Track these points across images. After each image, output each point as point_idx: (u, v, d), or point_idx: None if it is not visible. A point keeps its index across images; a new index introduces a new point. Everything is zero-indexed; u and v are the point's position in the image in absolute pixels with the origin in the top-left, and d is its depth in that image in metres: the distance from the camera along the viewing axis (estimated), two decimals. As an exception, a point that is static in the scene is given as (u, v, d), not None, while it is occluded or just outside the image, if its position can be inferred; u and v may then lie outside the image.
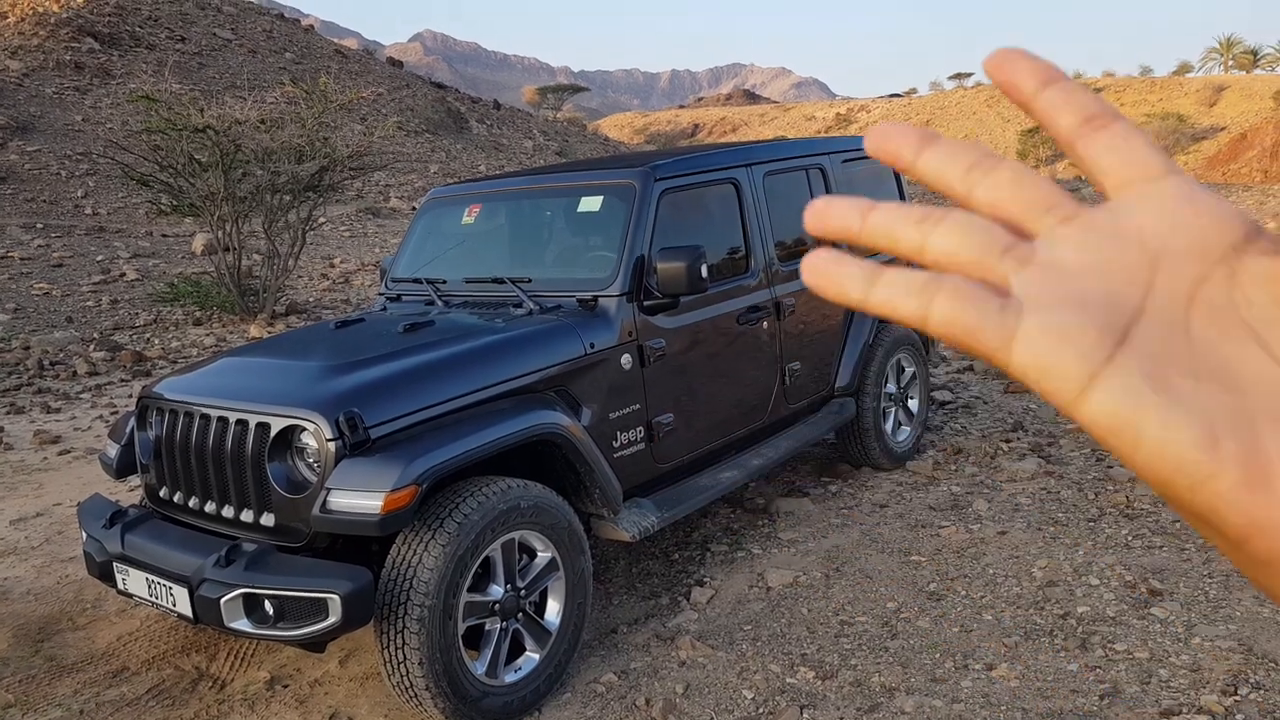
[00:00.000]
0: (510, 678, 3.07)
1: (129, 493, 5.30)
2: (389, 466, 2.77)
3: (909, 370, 5.32)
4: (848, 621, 3.56)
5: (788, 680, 3.19)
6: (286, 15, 47.14)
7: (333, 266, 16.86)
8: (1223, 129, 59.33)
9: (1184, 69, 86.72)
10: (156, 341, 10.98)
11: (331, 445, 2.85)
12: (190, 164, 11.49)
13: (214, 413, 3.16)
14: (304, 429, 2.92)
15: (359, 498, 2.75)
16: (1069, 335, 0.34)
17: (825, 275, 0.39)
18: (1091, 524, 4.28)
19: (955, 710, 2.95)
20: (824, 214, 0.40)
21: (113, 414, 7.66)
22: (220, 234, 12.15)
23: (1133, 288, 0.35)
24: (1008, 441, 5.48)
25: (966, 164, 0.39)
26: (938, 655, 3.28)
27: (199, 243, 17.88)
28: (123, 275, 15.72)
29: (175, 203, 12.24)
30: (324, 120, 11.85)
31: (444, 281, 4.20)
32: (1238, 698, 2.83)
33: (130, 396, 8.33)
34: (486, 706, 2.97)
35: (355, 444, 2.85)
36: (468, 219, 4.39)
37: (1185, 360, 0.34)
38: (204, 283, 12.42)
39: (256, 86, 30.62)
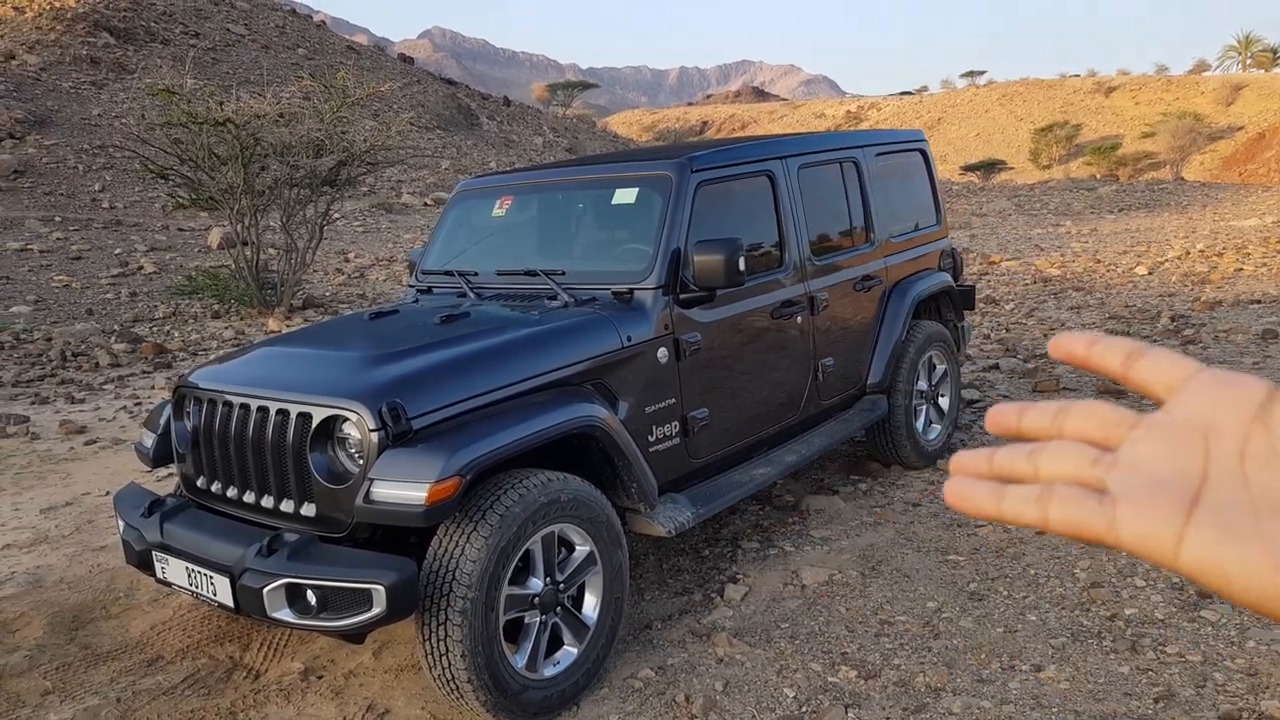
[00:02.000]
0: (549, 671, 3.06)
1: (157, 482, 5.31)
2: (433, 457, 2.76)
3: (940, 368, 5.29)
4: (887, 621, 3.53)
5: (829, 679, 3.15)
6: (298, 11, 47.22)
7: (347, 261, 16.89)
8: (1240, 128, 58.90)
9: (1201, 67, 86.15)
10: (176, 334, 11.01)
11: (374, 436, 2.84)
12: (209, 157, 11.51)
13: (254, 402, 3.15)
14: (346, 419, 2.91)
15: (403, 489, 2.74)
16: (1153, 510, 0.44)
17: (964, 497, 0.51)
18: (1131, 523, 4.22)
19: (1005, 712, 2.91)
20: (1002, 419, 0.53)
21: (136, 405, 7.68)
22: (238, 228, 12.18)
23: (1194, 461, 0.45)
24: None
25: (1052, 414, 0.51)
26: (983, 656, 3.24)
27: (215, 236, 17.94)
28: (141, 268, 15.77)
29: (194, 196, 12.27)
30: (341, 115, 11.86)
31: (475, 274, 4.18)
32: (1298, 702, 2.79)
33: (153, 388, 8.35)
34: (526, 700, 2.95)
35: (398, 435, 2.84)
36: (499, 211, 4.37)
37: (1248, 504, 0.43)
38: (222, 276, 12.45)
39: (269, 82, 30.70)
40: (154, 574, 3.30)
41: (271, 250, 13.46)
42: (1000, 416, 0.53)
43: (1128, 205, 22.32)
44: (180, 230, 20.10)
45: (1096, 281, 11.22)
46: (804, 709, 3.00)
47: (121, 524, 3.45)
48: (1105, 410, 0.49)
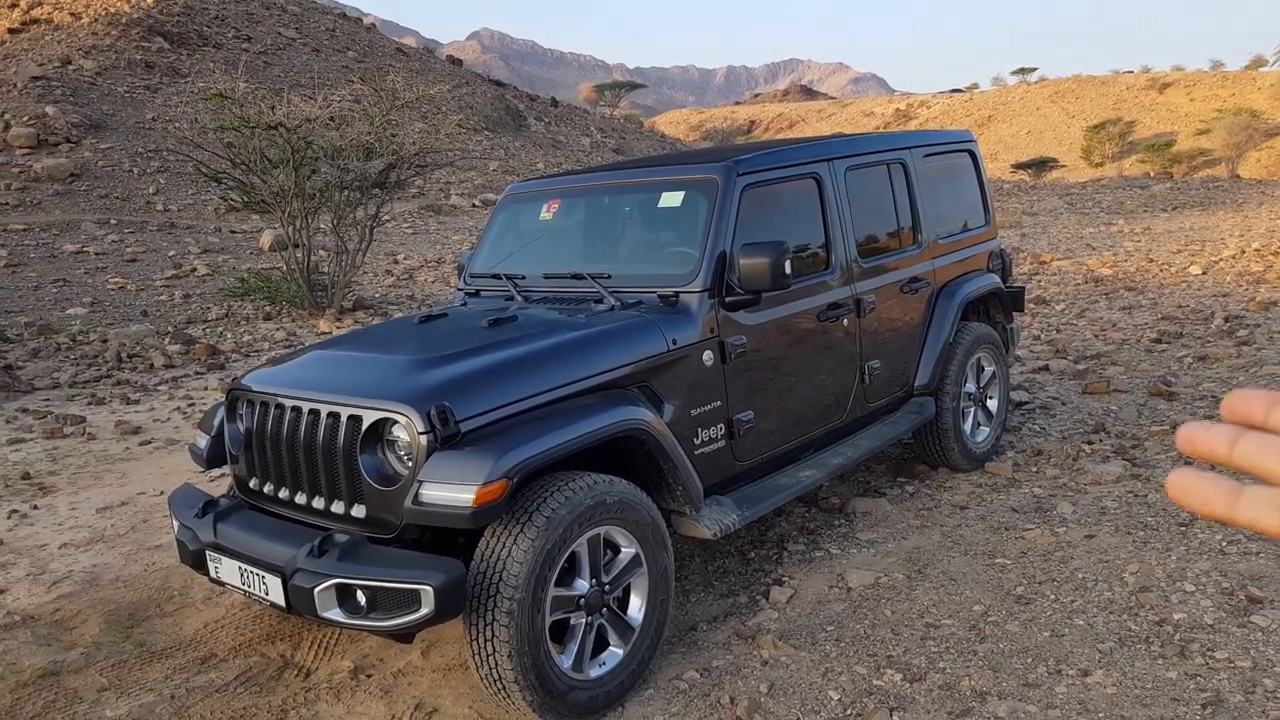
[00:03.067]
0: (595, 672, 3.08)
1: (210, 483, 5.42)
2: (481, 460, 2.79)
3: (989, 370, 5.23)
4: (933, 624, 3.50)
5: (874, 682, 3.14)
6: (348, 14, 47.89)
7: (396, 263, 17.11)
8: (1299, 123, 57.23)
9: (1258, 63, 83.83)
10: (229, 335, 11.24)
11: (423, 438, 2.87)
12: (261, 161, 11.73)
13: (305, 405, 3.20)
14: (396, 422, 2.95)
15: (451, 490, 2.77)
16: None
17: (1190, 492, 0.48)
18: (1183, 529, 4.15)
19: (1051, 716, 2.88)
20: (1194, 440, 0.50)
21: (190, 405, 7.86)
22: (290, 230, 12.39)
23: None
24: (1089, 443, 5.34)
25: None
26: (1029, 660, 3.20)
27: (266, 239, 18.29)
28: (194, 270, 16.13)
29: (246, 199, 12.51)
30: (390, 118, 12.01)
31: (523, 277, 4.22)
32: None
33: (206, 389, 8.54)
34: (572, 700, 2.97)
35: (446, 437, 2.87)
36: (546, 215, 4.41)
37: None
38: (274, 278, 12.68)
39: (320, 85, 31.17)
40: (207, 574, 3.37)
41: (321, 252, 13.69)
42: (1241, 403, 0.49)
43: (1182, 203, 21.82)
44: (233, 233, 20.51)
45: (1149, 281, 10.99)
46: (849, 711, 2.99)
47: (176, 524, 3.53)
48: None
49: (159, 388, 8.66)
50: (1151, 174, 42.62)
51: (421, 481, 2.84)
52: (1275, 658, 3.08)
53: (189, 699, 3.42)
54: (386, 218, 14.68)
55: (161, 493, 5.67)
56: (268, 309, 12.48)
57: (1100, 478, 4.78)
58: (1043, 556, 3.98)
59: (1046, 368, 7.15)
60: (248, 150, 11.65)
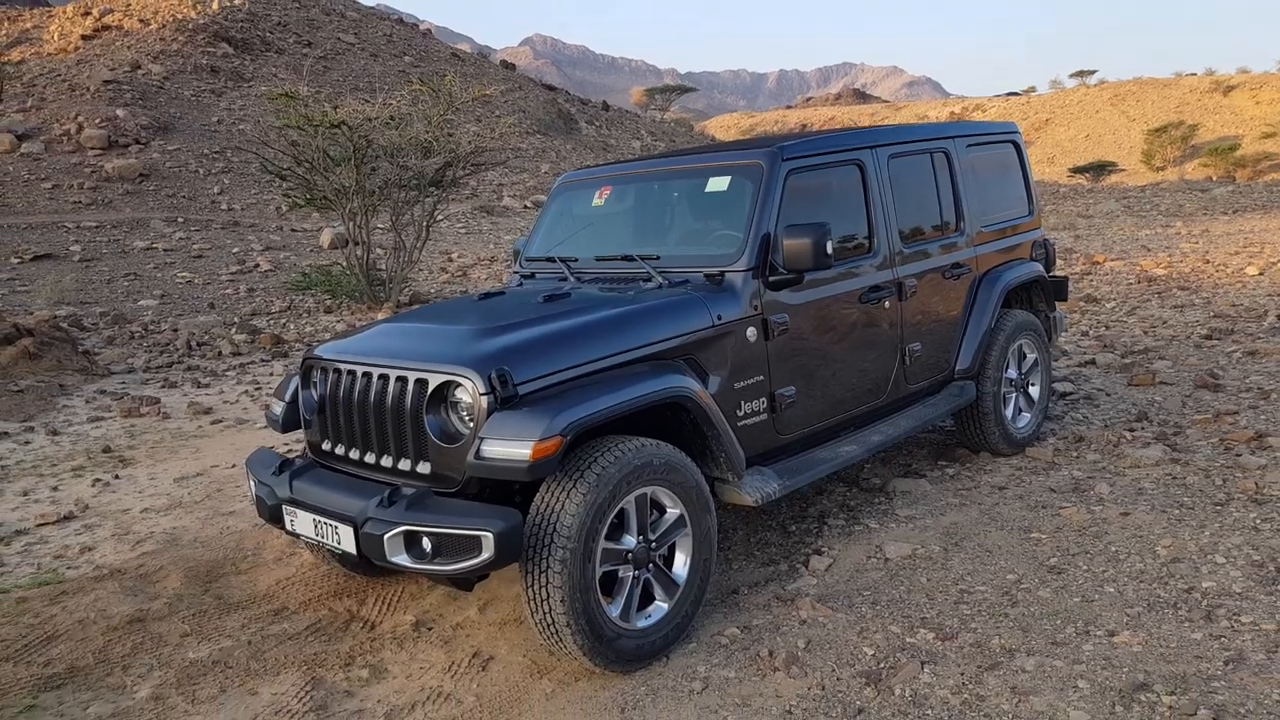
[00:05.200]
0: (641, 623, 3.27)
1: (283, 448, 5.71)
2: (537, 419, 3.00)
3: (1030, 356, 5.32)
4: (967, 590, 3.64)
5: (907, 640, 3.29)
6: (405, 20, 48.75)
7: (450, 260, 17.52)
8: (1372, 126, 55.49)
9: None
10: (292, 326, 11.66)
11: (484, 400, 3.09)
12: (324, 159, 12.15)
13: (375, 371, 3.44)
14: (459, 384, 3.17)
15: (510, 446, 2.98)
16: None
17: None
18: (1219, 508, 4.23)
19: (1076, 670, 3.01)
20: None
21: (256, 389, 8.23)
22: (350, 227, 12.80)
23: None
24: (1131, 431, 5.41)
25: None
26: (1058, 621, 3.34)
27: (326, 237, 18.83)
28: (257, 266, 16.70)
29: (309, 197, 12.94)
30: (448, 118, 12.36)
31: (575, 260, 4.43)
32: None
33: (271, 374, 8.92)
34: (620, 647, 3.17)
35: (505, 399, 3.09)
36: (598, 201, 4.62)
37: None
38: (334, 273, 13.10)
39: (378, 88, 31.84)
40: (283, 526, 3.62)
41: (379, 250, 14.10)
42: None
43: (1243, 207, 21.39)
44: (294, 231, 21.13)
45: (1204, 281, 10.89)
46: (882, 665, 3.15)
47: (254, 482, 3.79)
48: None
49: (227, 373, 9.07)
50: (1214, 178, 41.71)
51: (483, 438, 3.05)
52: (1300, 623, 3.17)
53: (264, 645, 3.68)
54: (441, 217, 15.05)
55: (234, 466, 6.00)
56: (328, 302, 12.91)
57: (1139, 461, 4.86)
58: (1077, 532, 4.10)
59: (1093, 361, 7.19)
60: (311, 149, 12.07)
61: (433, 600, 3.96)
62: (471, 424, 3.15)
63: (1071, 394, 6.35)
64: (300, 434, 4.00)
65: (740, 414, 3.74)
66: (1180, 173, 53.81)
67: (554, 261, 4.51)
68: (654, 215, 4.54)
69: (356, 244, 12.77)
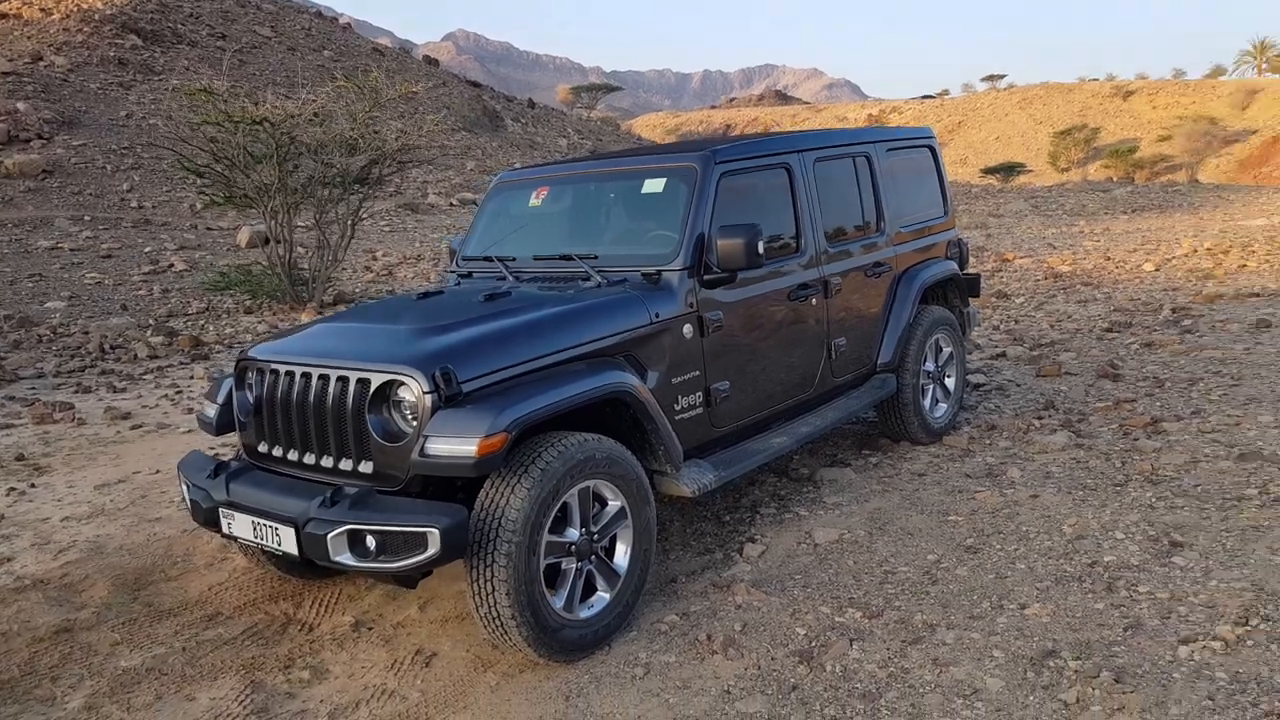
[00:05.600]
0: (584, 614, 3.36)
1: (211, 451, 5.63)
2: (482, 416, 3.07)
3: (946, 350, 5.58)
4: (891, 571, 3.85)
5: (837, 619, 3.48)
6: (324, 14, 47.76)
7: (375, 259, 17.28)
8: (1254, 132, 58.70)
9: (1217, 72, 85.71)
10: (211, 328, 11.39)
11: (428, 398, 3.15)
12: (244, 156, 11.89)
13: (315, 371, 3.45)
14: (402, 384, 3.22)
15: (456, 444, 3.05)
16: None
17: None
18: (1118, 488, 4.53)
19: (992, 641, 3.24)
20: None
21: (177, 393, 8.05)
22: (272, 225, 12.55)
23: None
24: (1039, 419, 5.72)
25: None
26: (975, 597, 3.57)
27: (244, 235, 18.38)
28: (171, 266, 16.21)
29: (228, 194, 12.64)
30: (373, 115, 12.22)
31: (513, 259, 4.50)
32: (1249, 627, 3.11)
33: (192, 378, 8.72)
34: (564, 638, 3.26)
35: (449, 397, 3.15)
36: (535, 201, 4.69)
37: None
38: (255, 272, 12.82)
39: (297, 84, 31.15)
40: (220, 530, 3.60)
41: (300, 249, 13.85)
42: None
43: (1141, 206, 22.45)
44: (209, 229, 20.55)
45: (1105, 277, 11.45)
46: (813, 644, 3.32)
47: (188, 486, 3.75)
48: None
49: (145, 377, 8.83)
50: (1115, 179, 43.56)
51: (427, 436, 3.11)
52: (1190, 590, 3.47)
53: (199, 650, 3.66)
54: (365, 215, 14.87)
55: (158, 471, 5.88)
56: (248, 303, 12.63)
57: (1047, 447, 5.17)
58: (991, 513, 4.36)
59: (1004, 354, 7.54)
60: (231, 146, 11.80)
61: (371, 600, 3.99)
62: (415, 423, 3.20)
63: (984, 385, 6.66)
64: (232, 437, 3.98)
65: (677, 408, 3.86)
66: (1084, 174, 56.04)
67: (491, 261, 4.57)
68: (591, 215, 4.64)
69: (278, 242, 12.52)
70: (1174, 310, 8.74)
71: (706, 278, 3.94)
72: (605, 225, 4.58)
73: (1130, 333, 8.02)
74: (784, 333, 4.41)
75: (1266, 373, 6.29)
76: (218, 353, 9.96)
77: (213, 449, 5.84)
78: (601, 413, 3.59)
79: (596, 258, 4.15)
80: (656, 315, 3.79)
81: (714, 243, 3.89)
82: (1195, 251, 12.75)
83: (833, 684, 3.07)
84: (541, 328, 3.53)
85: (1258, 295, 9.21)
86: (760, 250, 3.84)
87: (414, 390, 3.18)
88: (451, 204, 26.48)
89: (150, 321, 11.62)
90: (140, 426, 7.03)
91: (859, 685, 3.05)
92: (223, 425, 3.96)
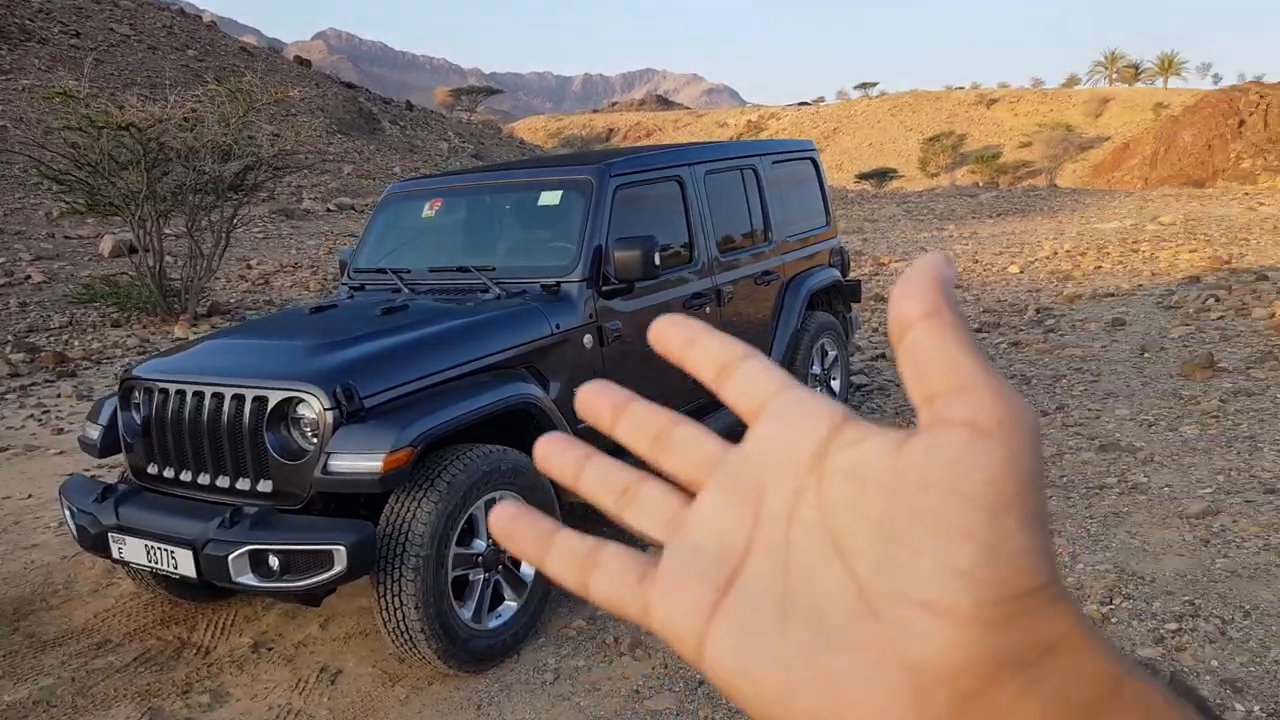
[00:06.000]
0: (493, 623, 3.40)
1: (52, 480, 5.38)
2: (386, 431, 3.07)
3: (831, 353, 5.83)
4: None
5: (739, 618, 3.61)
6: (187, 11, 45.80)
7: (250, 268, 16.68)
8: (1107, 138, 62.74)
9: (1072, 81, 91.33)
10: (77, 343, 10.82)
11: (329, 415, 3.13)
12: (108, 162, 11.33)
13: (208, 390, 3.37)
14: (301, 400, 3.18)
15: (360, 460, 3.04)
16: (681, 595, 0.33)
17: (505, 533, 0.38)
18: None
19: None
20: (547, 460, 0.40)
21: (44, 413, 7.63)
22: (140, 234, 12.00)
23: (741, 524, 0.33)
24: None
25: (652, 435, 0.39)
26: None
27: (107, 244, 17.45)
28: (28, 278, 15.26)
29: (91, 202, 12.03)
30: (247, 119, 11.84)
31: (408, 271, 4.48)
32: (1112, 606, 3.39)
33: (59, 396, 8.29)
34: (473, 648, 3.28)
35: (351, 413, 3.14)
36: (429, 212, 4.68)
37: (780, 596, 0.31)
38: (122, 283, 12.24)
39: (159, 84, 29.76)
40: (109, 555, 3.48)
41: (170, 258, 13.28)
42: (593, 402, 0.41)
43: (1005, 210, 23.72)
44: (67, 238, 19.41)
45: (974, 280, 12.09)
46: (718, 643, 3.43)
47: (73, 511, 3.60)
48: (707, 444, 0.37)
49: (7, 396, 8.33)
50: (980, 184, 45.82)
51: (330, 453, 3.09)
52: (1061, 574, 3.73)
53: (90, 680, 3.53)
54: (240, 223, 14.37)
55: (30, 496, 5.59)
56: (116, 316, 12.03)
57: (927, 444, 5.46)
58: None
59: (884, 355, 7.89)
60: (94, 152, 11.24)
61: (270, 620, 3.91)
62: (315, 440, 3.17)
63: (866, 385, 6.97)
64: (113, 459, 3.84)
65: (580, 418, 3.92)
66: (952, 179, 58.72)
67: (385, 273, 4.54)
68: (486, 227, 4.66)
69: (146, 251, 11.97)
70: (1038, 311, 9.32)
71: (605, 288, 4.02)
72: (501, 237, 4.61)
73: (999, 333, 8.51)
74: (680, 340, 4.52)
75: (1122, 369, 6.80)
76: (85, 369, 9.48)
77: (88, 470, 5.59)
78: (503, 424, 3.63)
79: (494, 269, 4.19)
80: (558, 326, 3.85)
81: (611, 254, 3.98)
82: (1055, 254, 13.58)
83: (737, 679, 3.19)
84: (443, 341, 3.54)
85: (1113, 295, 9.92)
86: (657, 261, 3.95)
87: (314, 407, 3.15)
88: (328, 209, 25.78)
89: (9, 337, 10.93)
90: (6, 449, 6.64)
91: (762, 679, 3.19)
92: (107, 447, 3.83)
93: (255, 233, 21.82)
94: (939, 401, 0.30)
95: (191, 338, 10.81)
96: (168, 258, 13.05)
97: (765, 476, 0.33)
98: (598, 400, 0.41)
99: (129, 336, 11.04)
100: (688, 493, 0.36)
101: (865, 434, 0.31)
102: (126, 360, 9.76)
